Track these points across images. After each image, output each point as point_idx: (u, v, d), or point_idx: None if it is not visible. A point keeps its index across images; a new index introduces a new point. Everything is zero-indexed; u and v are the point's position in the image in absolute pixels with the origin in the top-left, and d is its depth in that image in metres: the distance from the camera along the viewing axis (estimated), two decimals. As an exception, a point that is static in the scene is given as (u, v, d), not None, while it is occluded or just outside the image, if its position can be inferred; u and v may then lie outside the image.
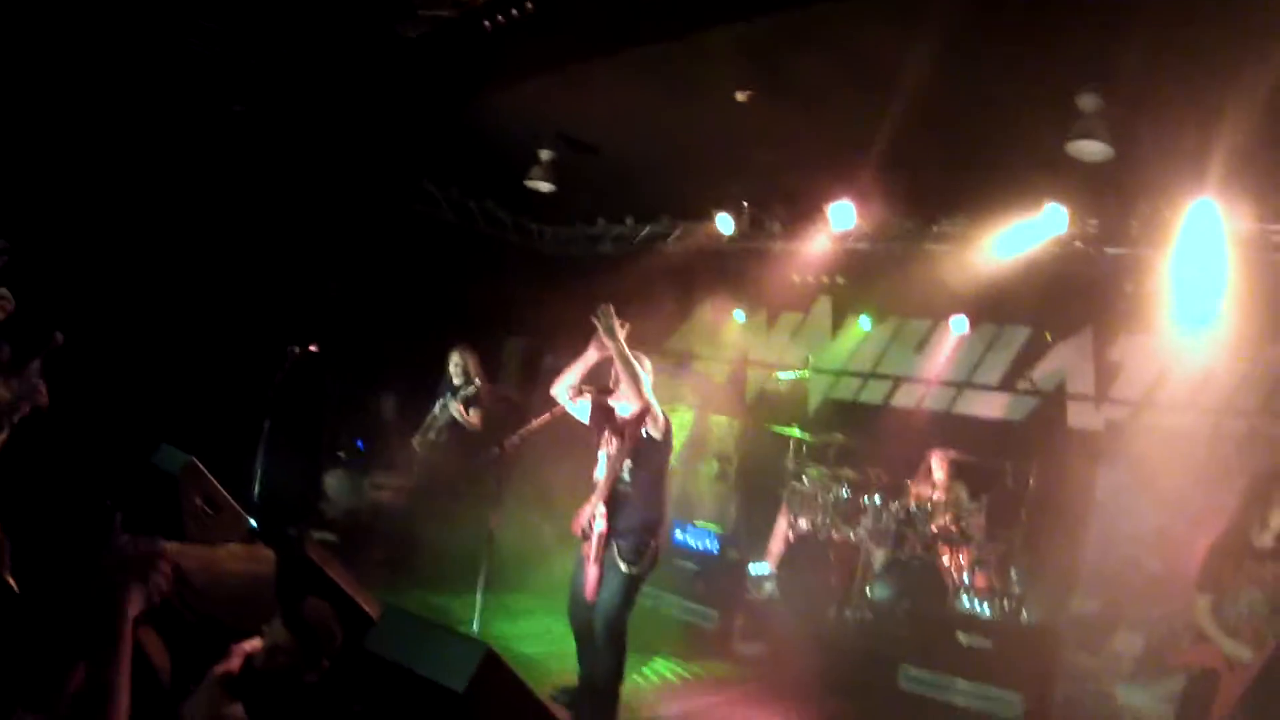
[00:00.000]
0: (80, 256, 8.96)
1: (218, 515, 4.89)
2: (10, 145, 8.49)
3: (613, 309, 6.61)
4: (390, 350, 12.35)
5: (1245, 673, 6.48)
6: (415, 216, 12.86)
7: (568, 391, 6.83)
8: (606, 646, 6.56)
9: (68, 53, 8.60)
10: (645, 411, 6.54)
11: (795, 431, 11.21)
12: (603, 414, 6.83)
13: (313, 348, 8.17)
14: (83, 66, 8.78)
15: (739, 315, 13.17)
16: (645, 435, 6.60)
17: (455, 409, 10.49)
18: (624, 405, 6.69)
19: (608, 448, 6.75)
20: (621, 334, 6.56)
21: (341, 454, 12.23)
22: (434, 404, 10.80)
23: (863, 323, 12.35)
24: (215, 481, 4.96)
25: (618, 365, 6.55)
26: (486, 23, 7.92)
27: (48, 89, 8.72)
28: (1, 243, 5.50)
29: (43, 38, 8.36)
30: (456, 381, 10.64)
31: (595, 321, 6.58)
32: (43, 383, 5.06)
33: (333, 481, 11.64)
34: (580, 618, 6.73)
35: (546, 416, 7.20)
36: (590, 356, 6.76)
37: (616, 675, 6.62)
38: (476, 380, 10.59)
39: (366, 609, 4.48)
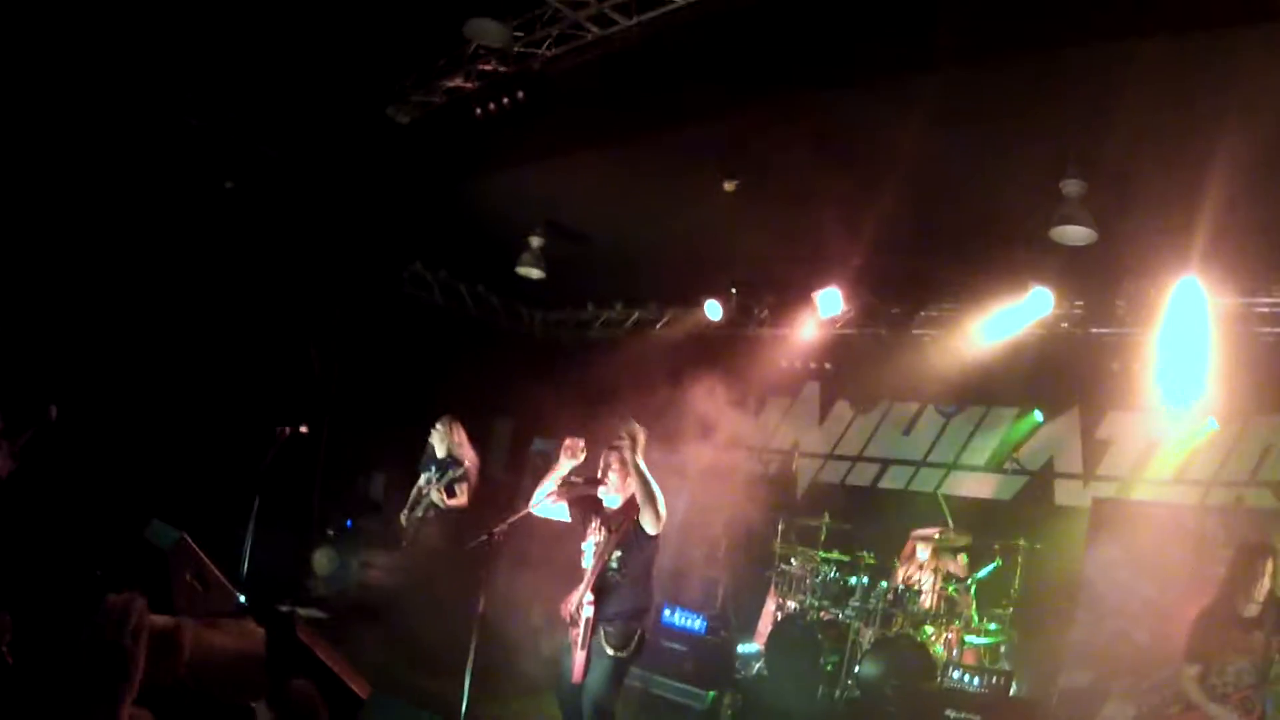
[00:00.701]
0: (73, 332, 8.99)
1: (207, 591, 4.88)
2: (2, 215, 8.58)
3: (639, 429, 6.46)
4: (380, 430, 12.35)
5: (1233, 740, 6.52)
6: (405, 299, 12.94)
7: (547, 500, 6.72)
8: (595, 729, 6.49)
9: (60, 123, 8.69)
10: (644, 509, 6.37)
11: (783, 515, 11.17)
12: (589, 505, 6.73)
13: (303, 429, 8.18)
14: (73, 138, 8.87)
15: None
16: (638, 527, 6.48)
17: (436, 495, 10.10)
18: (612, 497, 6.63)
19: (595, 536, 6.65)
20: (640, 452, 6.39)
21: (330, 532, 12.17)
22: (419, 476, 10.44)
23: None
24: (205, 557, 4.96)
25: (636, 487, 6.38)
26: (478, 110, 8.04)
27: (38, 157, 8.80)
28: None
29: (38, 108, 8.46)
30: (440, 454, 10.27)
31: (619, 445, 6.43)
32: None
33: (321, 559, 11.55)
34: (569, 702, 6.65)
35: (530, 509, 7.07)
36: (564, 468, 6.62)
37: (605, 757, 6.54)
38: (466, 460, 10.25)
39: (354, 689, 4.46)
